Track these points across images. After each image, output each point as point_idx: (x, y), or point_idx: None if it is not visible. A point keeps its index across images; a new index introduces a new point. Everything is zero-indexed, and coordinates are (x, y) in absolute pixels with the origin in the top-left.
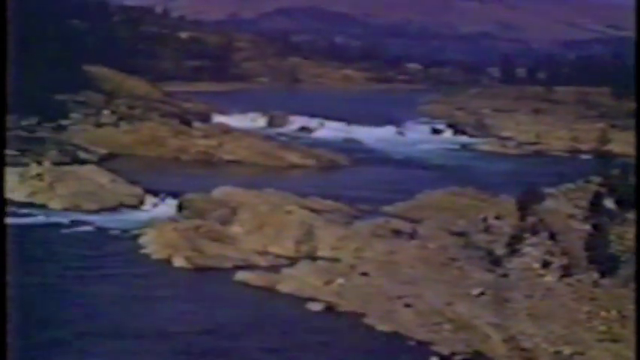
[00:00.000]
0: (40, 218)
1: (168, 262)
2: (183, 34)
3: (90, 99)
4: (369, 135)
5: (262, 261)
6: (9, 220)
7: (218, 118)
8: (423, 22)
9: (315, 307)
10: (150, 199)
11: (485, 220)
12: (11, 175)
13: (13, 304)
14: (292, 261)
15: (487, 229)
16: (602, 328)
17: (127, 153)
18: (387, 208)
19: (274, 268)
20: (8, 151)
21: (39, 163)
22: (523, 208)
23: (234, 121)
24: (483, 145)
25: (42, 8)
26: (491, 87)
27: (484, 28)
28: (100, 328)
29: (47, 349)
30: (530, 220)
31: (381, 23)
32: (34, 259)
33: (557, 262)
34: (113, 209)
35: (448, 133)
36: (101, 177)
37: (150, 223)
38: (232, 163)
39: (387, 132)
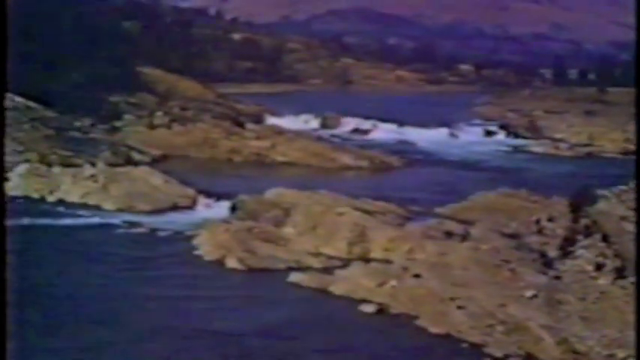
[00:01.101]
0: (94, 219)
1: (221, 263)
2: (237, 36)
3: (143, 100)
4: (422, 136)
5: (315, 262)
6: (65, 221)
7: (271, 120)
8: (476, 23)
9: (368, 308)
10: (203, 201)
11: (537, 222)
12: (65, 176)
13: (64, 304)
14: (345, 262)
15: (540, 231)
16: None
17: (180, 154)
18: (439, 210)
19: (327, 270)
20: (63, 152)
21: (92, 164)
22: (576, 210)
23: (287, 122)
24: (536, 146)
25: (95, 10)
26: (543, 88)
27: (537, 29)
28: (154, 329)
29: (100, 350)
30: (583, 222)
31: (434, 24)
32: (87, 259)
33: (611, 264)
34: (166, 210)
35: (501, 135)
36: (154, 178)
37: (203, 225)
38: (285, 164)
39: (440, 134)
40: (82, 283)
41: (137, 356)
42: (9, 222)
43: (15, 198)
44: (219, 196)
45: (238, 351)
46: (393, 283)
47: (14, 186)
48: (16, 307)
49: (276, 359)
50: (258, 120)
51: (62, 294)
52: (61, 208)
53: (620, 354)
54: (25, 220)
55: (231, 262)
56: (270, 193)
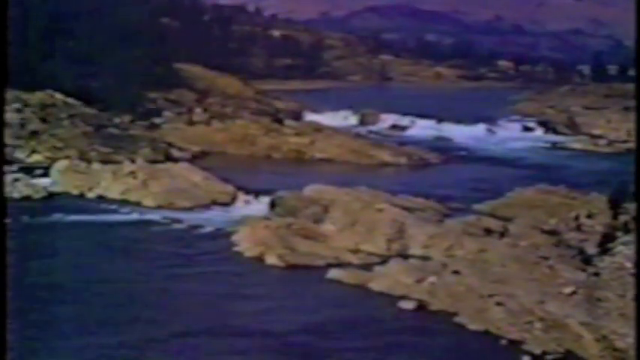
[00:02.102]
0: (134, 215)
1: (260, 260)
2: (276, 33)
3: (182, 97)
4: (460, 133)
5: (354, 259)
6: (104, 218)
7: (310, 117)
8: (515, 19)
9: (407, 305)
10: (242, 197)
11: (576, 218)
12: (105, 172)
13: (105, 301)
14: (384, 259)
15: (578, 228)
16: None
17: (219, 151)
18: (477, 206)
19: (366, 266)
20: (103, 149)
21: (132, 160)
22: (615, 207)
23: (326, 119)
24: (574, 143)
25: (135, 8)
26: (582, 85)
27: (576, 25)
28: (194, 327)
29: (140, 348)
30: (622, 218)
31: (473, 21)
32: (127, 256)
33: None
34: (206, 207)
35: (539, 131)
36: (194, 175)
37: (242, 221)
38: (324, 161)
39: (478, 130)
40: (122, 280)
41: (179, 354)
42: (52, 217)
43: (54, 194)
44: (258, 193)
45: (281, 348)
46: (432, 279)
47: (53, 182)
48: (57, 303)
49: (319, 357)
50: (297, 117)
51: (102, 291)
52: (101, 205)
53: None
54: (64, 217)
55: (271, 259)
56: (309, 190)
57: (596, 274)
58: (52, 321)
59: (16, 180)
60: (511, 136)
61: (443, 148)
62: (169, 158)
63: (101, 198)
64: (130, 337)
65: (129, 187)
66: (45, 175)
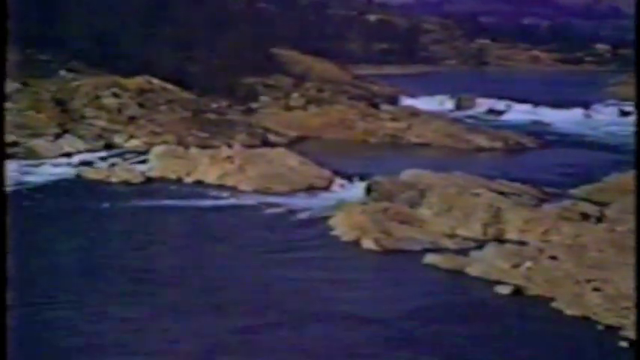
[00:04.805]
0: (231, 200)
1: (356, 244)
2: (372, 17)
3: (279, 82)
4: (557, 117)
5: (450, 244)
6: (202, 202)
7: (406, 101)
8: (612, 2)
9: (504, 290)
10: (338, 182)
11: None
12: (202, 157)
13: (198, 286)
14: (480, 244)
15: None
16: None
17: (316, 136)
18: (574, 191)
19: (462, 251)
20: (200, 134)
21: (229, 145)
22: None
23: (422, 103)
24: None
25: None
26: None
27: None
28: (295, 313)
29: (242, 334)
30: None
31: (570, 3)
32: (223, 241)
33: None
34: (302, 191)
35: (636, 115)
36: (290, 159)
37: (338, 206)
38: (420, 145)
39: (575, 114)
40: (218, 265)
41: (284, 340)
42: (148, 202)
43: (152, 179)
44: (354, 177)
45: (389, 335)
46: (529, 264)
47: (151, 167)
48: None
49: (427, 344)
50: (394, 101)
51: (198, 276)
52: (197, 189)
53: None
54: (161, 202)
55: (367, 243)
56: (406, 175)
57: None
58: (144, 305)
59: (114, 165)
60: (608, 120)
61: (539, 132)
62: (266, 143)
63: (198, 183)
64: (229, 323)
65: (226, 171)
66: (143, 160)
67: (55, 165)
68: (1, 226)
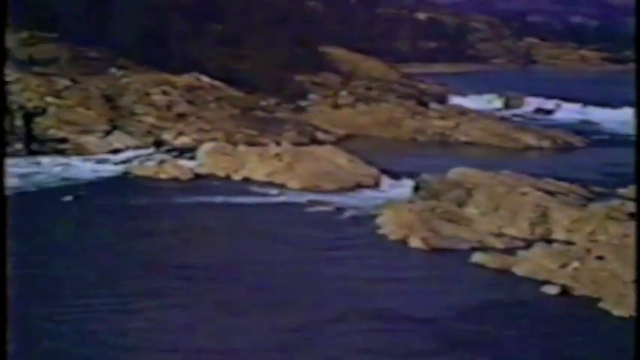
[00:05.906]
0: (280, 198)
1: (404, 243)
2: (421, 15)
3: (327, 80)
4: (606, 116)
5: (498, 243)
6: (250, 199)
7: (454, 100)
8: None
9: (551, 290)
10: (386, 180)
11: None
12: (251, 154)
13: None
14: (527, 243)
15: None
16: None
17: (364, 134)
18: (622, 191)
19: (509, 250)
20: (249, 131)
21: (277, 143)
22: None
23: (470, 102)
24: None
25: None
26: None
27: None
28: (344, 310)
29: (286, 333)
30: None
31: (619, 2)
32: (271, 238)
33: None
34: (350, 189)
35: None
36: (339, 157)
37: (386, 204)
38: (468, 144)
39: (624, 113)
40: (265, 262)
41: (335, 337)
42: (196, 199)
43: (200, 176)
44: (402, 176)
45: (439, 334)
46: (576, 264)
47: (200, 164)
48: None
49: (476, 344)
50: (442, 100)
51: (244, 274)
52: (245, 187)
53: None
54: (209, 199)
55: (415, 242)
56: (453, 173)
57: None
58: (193, 302)
59: (163, 161)
60: None
61: (588, 131)
62: (314, 141)
63: (246, 180)
64: (279, 321)
65: (274, 169)
66: (192, 157)
67: (104, 161)
68: (2, 226)
